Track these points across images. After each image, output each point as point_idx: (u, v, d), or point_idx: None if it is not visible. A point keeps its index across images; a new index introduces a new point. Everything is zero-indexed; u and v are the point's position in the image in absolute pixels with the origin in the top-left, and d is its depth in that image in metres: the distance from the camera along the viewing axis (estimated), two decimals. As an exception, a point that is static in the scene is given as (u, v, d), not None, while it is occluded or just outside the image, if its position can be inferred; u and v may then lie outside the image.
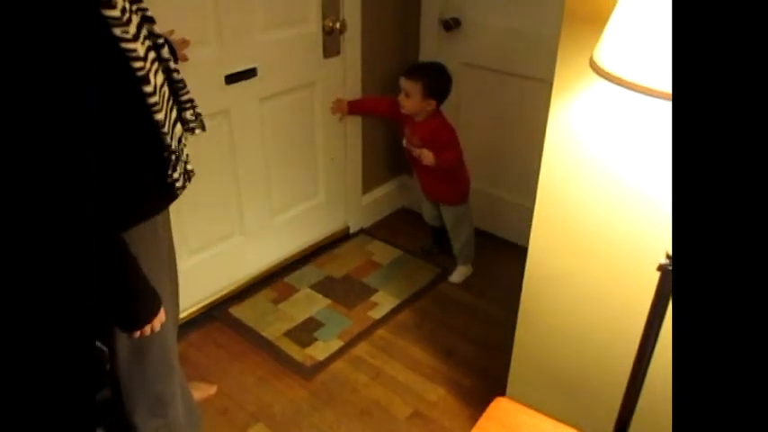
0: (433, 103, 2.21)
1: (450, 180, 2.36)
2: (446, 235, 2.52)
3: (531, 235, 1.48)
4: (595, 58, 0.94)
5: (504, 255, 2.62)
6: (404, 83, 2.21)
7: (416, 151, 2.26)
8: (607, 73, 0.90)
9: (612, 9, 0.95)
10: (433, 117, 2.25)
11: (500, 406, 1.24)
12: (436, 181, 2.37)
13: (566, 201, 1.37)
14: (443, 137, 2.26)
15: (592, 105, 1.25)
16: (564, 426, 1.19)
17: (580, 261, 1.40)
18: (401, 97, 2.23)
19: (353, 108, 2.47)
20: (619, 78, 0.88)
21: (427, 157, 2.22)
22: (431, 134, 2.25)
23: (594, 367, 1.47)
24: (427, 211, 2.55)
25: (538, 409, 1.24)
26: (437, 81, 2.21)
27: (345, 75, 2.42)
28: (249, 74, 2.08)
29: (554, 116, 1.32)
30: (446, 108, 2.45)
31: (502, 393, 1.72)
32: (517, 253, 2.51)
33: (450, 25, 2.47)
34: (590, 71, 1.16)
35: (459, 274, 2.50)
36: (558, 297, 1.48)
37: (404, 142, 2.37)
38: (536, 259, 1.49)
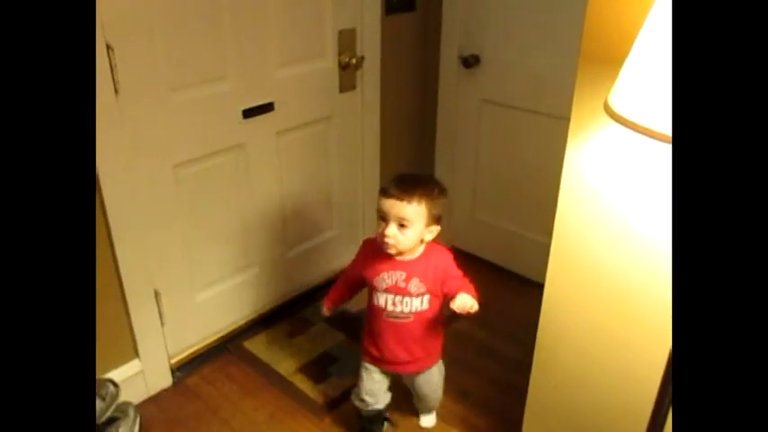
0: (437, 229, 1.60)
1: (441, 328, 1.76)
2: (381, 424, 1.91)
3: (547, 280, 1.46)
4: (610, 102, 0.93)
5: (519, 291, 2.58)
6: (396, 207, 1.51)
7: (457, 303, 1.51)
8: (621, 117, 0.88)
9: (628, 52, 0.93)
10: (430, 247, 1.63)
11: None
12: (424, 338, 1.69)
13: (581, 246, 1.35)
14: (454, 264, 1.64)
15: (606, 150, 1.24)
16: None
17: (595, 307, 1.37)
18: (388, 231, 1.53)
19: (333, 299, 1.85)
20: (632, 123, 0.86)
21: (470, 302, 1.53)
22: (441, 270, 1.60)
23: (612, 415, 1.43)
24: (373, 390, 1.78)
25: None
26: (442, 194, 1.60)
27: (363, 109, 2.43)
28: (266, 108, 2.10)
29: (569, 158, 1.30)
30: (463, 144, 2.44)
31: (518, 436, 1.67)
32: (532, 289, 2.47)
33: (470, 62, 2.48)
34: (605, 114, 1.15)
35: (431, 419, 1.97)
36: (573, 342, 1.45)
37: (385, 301, 1.63)
38: (551, 304, 1.46)
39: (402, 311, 1.63)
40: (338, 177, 2.47)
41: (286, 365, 2.18)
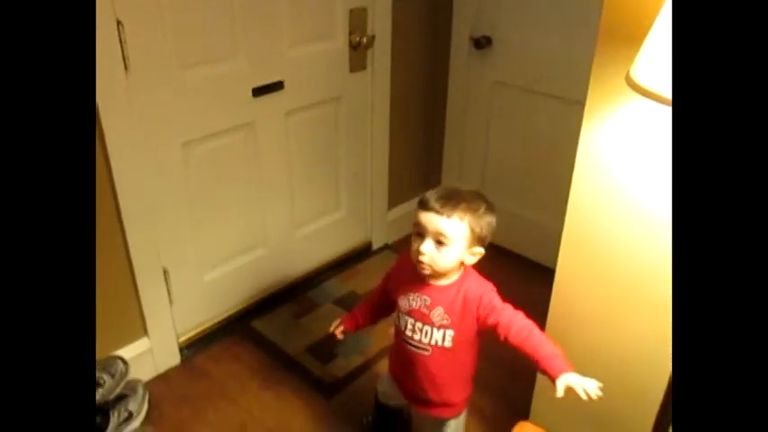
0: (480, 252, 1.40)
1: (469, 376, 1.55)
2: (396, 416, 1.81)
3: (558, 263, 1.45)
4: (632, 75, 0.91)
5: (527, 275, 2.57)
6: (434, 221, 1.32)
7: (581, 386, 1.24)
8: (644, 89, 0.87)
9: (650, 28, 0.92)
10: (467, 274, 1.43)
11: (523, 430, 1.20)
12: (440, 380, 1.49)
13: (594, 228, 1.34)
14: (495, 295, 1.41)
15: (624, 129, 1.22)
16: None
17: (607, 290, 1.36)
18: (423, 248, 1.34)
19: (350, 322, 1.69)
20: (656, 95, 0.85)
21: (580, 382, 1.25)
22: (473, 301, 1.38)
23: (622, 397, 1.42)
24: (391, 394, 1.70)
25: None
26: (488, 213, 1.38)
27: (373, 90, 2.41)
28: (276, 87, 2.08)
29: (585, 138, 1.29)
30: (473, 125, 2.40)
31: (524, 418, 1.67)
32: (542, 273, 2.46)
33: (482, 43, 2.45)
34: (624, 92, 1.13)
35: None
36: (584, 324, 1.44)
37: (406, 324, 1.46)
38: (563, 282, 1.45)
39: (420, 341, 1.44)
40: (347, 159, 2.46)
41: (293, 346, 2.18)
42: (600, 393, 1.20)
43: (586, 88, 1.28)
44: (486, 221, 1.36)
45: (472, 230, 1.34)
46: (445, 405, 1.54)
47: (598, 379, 1.46)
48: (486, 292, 1.39)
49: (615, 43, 1.17)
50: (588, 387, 1.22)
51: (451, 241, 1.32)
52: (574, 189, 1.34)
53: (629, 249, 1.29)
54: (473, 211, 1.34)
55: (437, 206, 1.32)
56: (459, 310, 1.39)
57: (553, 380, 1.25)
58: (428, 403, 1.55)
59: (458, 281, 1.41)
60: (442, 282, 1.41)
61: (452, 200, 1.33)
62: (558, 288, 1.48)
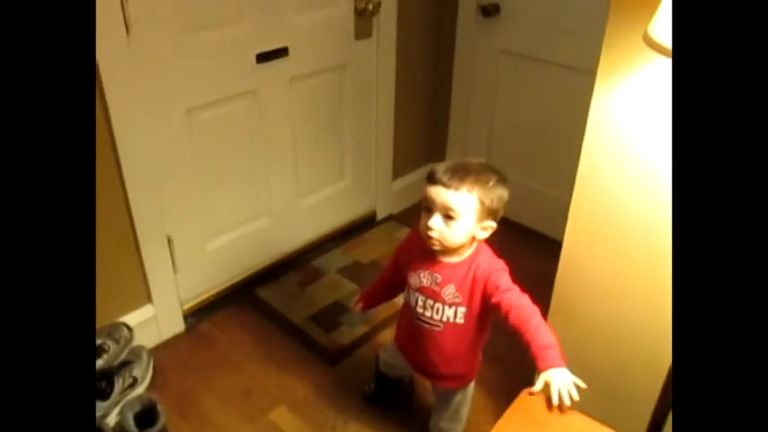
0: (492, 226, 1.37)
1: (479, 349, 1.56)
2: (397, 385, 1.82)
3: (567, 230, 1.43)
4: (650, 32, 0.89)
5: (533, 246, 2.56)
6: (442, 195, 1.29)
7: (557, 388, 1.18)
8: (662, 47, 0.84)
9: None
10: (478, 251, 1.40)
11: (529, 398, 1.20)
12: (452, 355, 1.49)
13: (604, 194, 1.32)
14: (506, 275, 1.38)
15: (638, 93, 1.20)
16: (595, 422, 1.15)
17: (617, 257, 1.35)
18: (431, 223, 1.31)
19: (367, 298, 1.70)
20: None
21: (566, 379, 1.20)
22: (482, 280, 1.36)
23: (629, 366, 1.42)
24: (395, 364, 1.71)
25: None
26: (499, 186, 1.34)
27: (378, 58, 2.38)
28: (280, 53, 2.05)
29: (597, 103, 1.26)
30: (479, 95, 2.35)
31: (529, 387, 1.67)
32: (547, 245, 2.45)
33: (489, 11, 2.41)
34: (638, 55, 1.11)
35: None
36: (592, 292, 1.43)
37: (416, 301, 1.44)
38: (570, 254, 1.44)
39: (432, 317, 1.42)
40: (351, 127, 2.44)
41: (297, 314, 2.18)
42: (569, 403, 1.16)
43: (596, 57, 1.25)
44: (497, 194, 1.32)
45: (482, 203, 1.30)
46: (455, 377, 1.55)
47: (606, 351, 1.46)
48: (496, 270, 1.36)
49: (629, 6, 1.14)
50: (564, 393, 1.16)
51: (460, 215, 1.29)
52: (584, 156, 1.32)
53: (643, 218, 1.27)
54: (482, 183, 1.30)
55: (445, 179, 1.29)
56: (470, 288, 1.37)
57: (539, 371, 1.22)
58: (438, 376, 1.55)
59: (469, 258, 1.38)
60: (454, 259, 1.38)
61: (460, 172, 1.29)
62: (565, 259, 1.46)
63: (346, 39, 2.25)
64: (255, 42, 1.97)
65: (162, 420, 1.58)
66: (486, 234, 1.36)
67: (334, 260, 2.45)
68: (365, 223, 2.68)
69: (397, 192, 2.75)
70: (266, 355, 2.03)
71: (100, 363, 1.76)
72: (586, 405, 1.31)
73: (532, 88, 2.43)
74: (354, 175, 2.55)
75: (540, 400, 1.20)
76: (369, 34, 2.32)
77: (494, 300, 1.34)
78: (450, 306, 1.39)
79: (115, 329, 1.87)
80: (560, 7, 2.22)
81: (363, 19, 2.26)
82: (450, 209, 1.29)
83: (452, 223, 1.30)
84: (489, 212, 1.32)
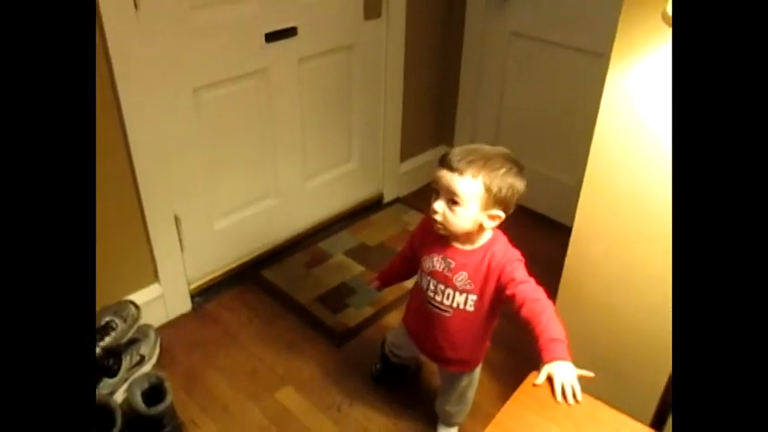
0: (499, 216, 1.32)
1: (487, 335, 1.54)
2: (404, 371, 1.84)
3: (577, 213, 1.42)
4: (669, 10, 0.87)
5: (539, 230, 2.55)
6: (446, 178, 1.28)
7: (560, 383, 1.14)
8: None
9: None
10: (494, 240, 1.37)
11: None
12: (459, 341, 1.48)
13: (616, 177, 1.31)
14: (521, 268, 1.35)
15: (653, 74, 1.18)
16: (603, 405, 1.15)
17: (628, 241, 1.34)
18: (435, 206, 1.30)
19: (383, 277, 1.69)
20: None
21: (569, 374, 1.16)
22: (497, 270, 1.34)
23: (638, 349, 1.42)
24: (401, 345, 1.71)
25: (575, 387, 1.19)
26: (511, 175, 1.29)
27: (387, 38, 2.36)
28: (289, 33, 2.03)
29: (611, 85, 1.25)
30: (488, 77, 2.33)
31: (535, 370, 1.67)
32: (557, 230, 2.45)
33: (499, -9, 2.38)
34: (654, 35, 1.09)
35: None
36: (601, 276, 1.42)
37: (428, 285, 1.43)
38: (580, 237, 1.43)
39: (442, 302, 1.42)
40: (359, 108, 2.42)
41: (304, 295, 2.18)
42: (572, 399, 1.13)
43: (608, 39, 1.24)
44: (508, 183, 1.27)
45: (488, 190, 1.26)
46: (461, 362, 1.55)
47: (613, 335, 1.46)
48: (511, 261, 1.33)
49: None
50: (567, 387, 1.13)
51: (463, 200, 1.26)
52: (597, 138, 1.31)
53: (656, 201, 1.26)
54: (490, 169, 1.26)
55: (453, 162, 1.26)
56: (483, 277, 1.34)
57: (543, 362, 1.19)
58: (444, 360, 1.55)
59: (484, 246, 1.35)
60: (468, 246, 1.36)
61: (468, 156, 1.26)
62: (574, 243, 1.46)
63: (355, 19, 2.23)
64: (264, 21, 1.96)
65: (169, 397, 1.59)
66: (494, 223, 1.33)
67: (341, 242, 2.45)
68: (372, 205, 2.68)
69: (405, 174, 2.74)
70: (273, 336, 2.04)
71: (108, 340, 1.77)
72: (594, 388, 1.31)
73: (543, 71, 2.41)
74: (362, 157, 2.54)
75: (547, 384, 1.19)
76: (378, 14, 2.29)
77: (508, 292, 1.32)
78: (461, 293, 1.38)
79: (123, 308, 1.87)
80: (573, -11, 2.20)
81: (373, -1, 2.24)
82: (454, 193, 1.27)
83: (456, 208, 1.28)
84: (497, 201, 1.28)
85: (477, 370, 1.61)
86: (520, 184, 1.30)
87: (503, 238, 1.38)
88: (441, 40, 2.60)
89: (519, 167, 1.31)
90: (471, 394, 1.66)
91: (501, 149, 1.33)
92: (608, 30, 1.24)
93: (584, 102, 2.27)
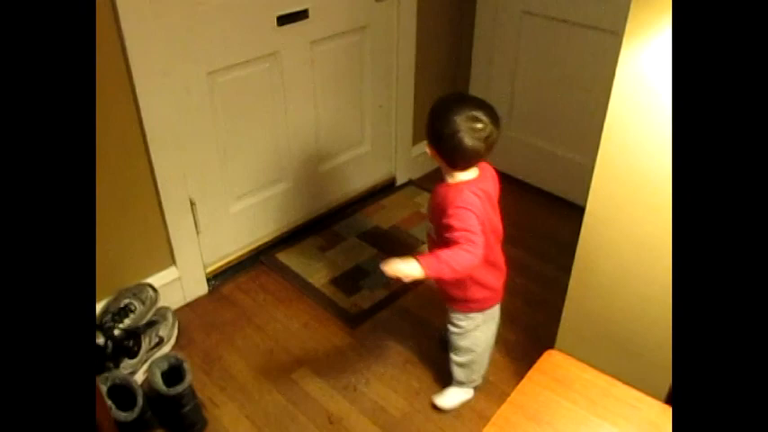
0: (444, 163, 1.45)
1: (465, 283, 1.55)
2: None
3: (591, 190, 1.41)
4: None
5: (552, 210, 2.56)
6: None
7: (392, 263, 1.36)
8: None
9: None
10: (462, 183, 1.45)
11: (551, 359, 1.21)
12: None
13: (630, 154, 1.30)
14: (449, 213, 1.40)
15: (667, 51, 1.17)
16: (618, 382, 1.16)
17: (642, 215, 1.33)
18: None
19: None
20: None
21: (402, 271, 1.35)
22: (438, 206, 1.46)
23: (653, 327, 1.42)
24: None
25: (589, 364, 1.20)
26: (432, 127, 1.43)
27: (399, 19, 2.35)
28: (301, 15, 2.03)
29: (624, 63, 1.24)
30: (500, 57, 2.31)
31: (548, 349, 1.68)
32: (569, 209, 2.45)
33: (511, -31, 2.36)
34: (668, 12, 1.08)
35: (445, 397, 1.76)
36: (616, 254, 1.42)
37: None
38: (594, 216, 1.43)
39: (427, 234, 1.61)
40: (372, 91, 2.42)
41: (318, 277, 2.20)
42: (394, 274, 1.35)
43: (621, 17, 1.23)
44: (439, 126, 1.39)
45: (427, 130, 1.44)
46: (446, 294, 1.61)
47: (628, 314, 1.46)
48: (454, 204, 1.40)
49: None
50: (401, 271, 1.35)
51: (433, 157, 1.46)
52: (610, 115, 1.30)
53: (670, 179, 1.25)
54: (434, 111, 1.42)
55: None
56: (439, 210, 1.44)
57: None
58: (441, 290, 1.62)
59: (452, 185, 1.45)
60: (446, 181, 1.48)
61: (449, 97, 1.45)
62: (588, 221, 1.45)
63: (367, 0, 2.22)
64: (276, 4, 1.96)
65: (189, 378, 1.61)
66: (453, 180, 1.45)
67: (355, 225, 2.47)
68: (385, 188, 2.68)
69: (417, 157, 2.74)
70: (288, 317, 2.06)
71: (127, 322, 1.80)
72: (610, 365, 1.32)
73: (555, 50, 2.39)
74: (374, 140, 2.55)
75: (565, 360, 1.20)
76: (390, -5, 2.29)
77: (443, 234, 1.42)
78: (429, 220, 1.56)
79: (141, 290, 1.90)
80: (586, -34, 2.17)
81: (384, -20, 2.23)
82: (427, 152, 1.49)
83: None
84: (435, 144, 1.43)
85: (473, 318, 1.61)
86: (439, 127, 1.39)
87: (465, 186, 1.43)
88: (452, 21, 2.59)
89: (437, 114, 1.41)
90: (467, 350, 1.67)
91: (450, 95, 1.48)
92: (621, 7, 1.23)
93: (596, 80, 2.25)
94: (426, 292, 2.15)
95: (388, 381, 1.84)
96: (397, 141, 2.62)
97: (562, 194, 2.58)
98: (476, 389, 1.78)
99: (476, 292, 1.57)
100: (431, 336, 1.98)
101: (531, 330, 1.99)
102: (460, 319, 1.62)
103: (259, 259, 2.29)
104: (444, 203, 1.42)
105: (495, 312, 1.66)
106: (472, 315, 1.61)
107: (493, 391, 1.79)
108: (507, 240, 2.42)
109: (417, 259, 1.35)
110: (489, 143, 1.39)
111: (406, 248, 2.34)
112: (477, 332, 1.64)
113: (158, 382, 1.61)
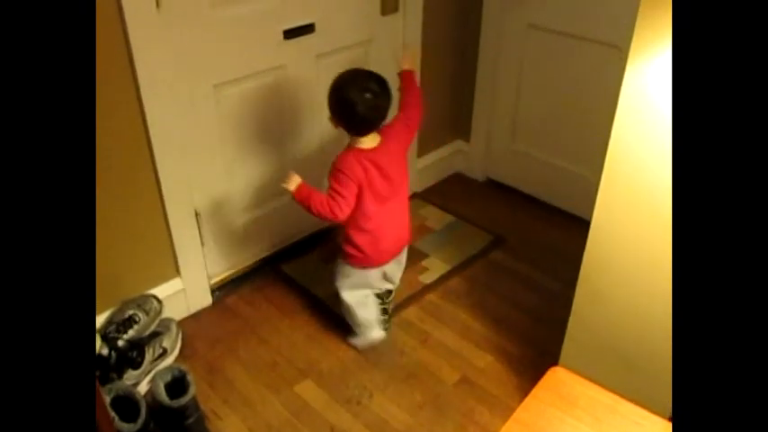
0: (344, 130, 1.71)
1: (346, 234, 1.83)
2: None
3: (596, 207, 1.42)
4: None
5: (557, 224, 2.55)
6: None
7: (289, 177, 1.75)
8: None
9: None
10: (349, 148, 1.73)
11: (556, 376, 1.20)
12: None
13: (636, 171, 1.30)
14: (330, 171, 1.72)
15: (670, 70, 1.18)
16: (622, 399, 1.15)
17: (648, 232, 1.34)
18: None
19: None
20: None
21: (287, 182, 1.74)
22: (333, 162, 1.74)
23: (659, 343, 1.42)
24: None
25: (593, 381, 1.20)
26: (332, 99, 1.68)
27: (404, 33, 2.36)
28: (307, 29, 2.04)
29: (629, 79, 1.24)
30: (505, 71, 2.32)
31: (552, 362, 1.68)
32: (574, 223, 2.45)
33: (516, -16, 2.37)
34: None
35: (355, 337, 2.00)
36: (622, 269, 1.42)
37: None
38: (600, 227, 1.43)
39: None
40: (377, 104, 2.42)
41: (322, 289, 2.20)
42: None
43: (626, 31, 1.23)
44: (336, 98, 1.66)
45: (328, 102, 1.68)
46: (337, 247, 1.89)
47: (634, 329, 1.46)
48: (334, 166, 1.70)
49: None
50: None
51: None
52: (615, 132, 1.31)
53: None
54: (334, 85, 1.67)
55: None
56: (331, 164, 1.72)
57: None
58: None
59: (346, 148, 1.73)
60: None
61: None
62: (594, 236, 1.45)
63: (372, 14, 2.24)
64: (283, 18, 1.97)
65: (192, 390, 1.61)
66: (354, 138, 1.70)
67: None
68: (389, 200, 2.68)
69: (422, 169, 2.74)
70: (292, 329, 2.06)
71: (131, 333, 1.80)
72: (615, 380, 1.31)
73: (559, 63, 2.40)
74: (379, 152, 2.55)
75: (569, 377, 1.20)
76: (395, 9, 2.30)
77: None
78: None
79: (145, 301, 1.90)
80: (591, -19, 2.18)
81: (390, -6, 2.24)
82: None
83: None
84: (333, 114, 1.69)
85: (342, 272, 1.88)
86: (337, 100, 1.65)
87: (359, 155, 1.68)
88: (457, 34, 2.60)
89: (336, 87, 1.66)
90: (339, 293, 1.90)
91: (350, 71, 1.71)
92: (626, 22, 1.23)
93: (600, 94, 2.25)
94: (429, 306, 2.15)
95: (391, 395, 1.84)
96: (402, 154, 2.63)
97: (566, 207, 2.58)
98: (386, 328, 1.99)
99: (348, 248, 1.81)
100: (434, 350, 1.98)
101: (534, 343, 1.99)
102: (336, 265, 1.91)
103: (263, 271, 2.29)
104: (335, 160, 1.69)
105: (369, 278, 1.89)
106: (345, 267, 1.87)
107: (496, 405, 1.78)
108: (510, 253, 2.43)
109: (300, 183, 1.71)
110: (381, 111, 1.66)
111: (409, 261, 2.33)
112: (346, 286, 1.89)
113: (162, 393, 1.60)
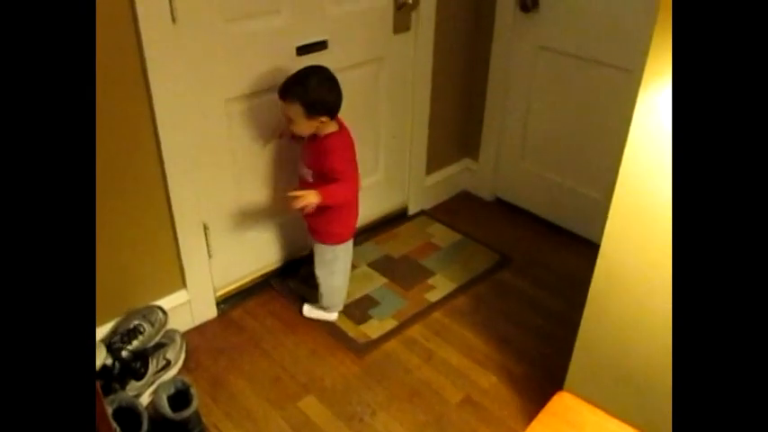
0: (325, 119, 1.80)
1: (335, 218, 1.95)
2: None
3: (606, 231, 1.41)
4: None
5: (564, 245, 2.55)
6: (281, 106, 1.81)
7: (296, 193, 1.81)
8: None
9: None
10: (329, 133, 1.84)
11: (562, 401, 1.20)
12: (321, 215, 1.90)
13: (648, 196, 1.30)
14: (332, 160, 1.82)
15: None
16: (628, 426, 1.14)
17: (657, 258, 1.33)
18: (287, 121, 1.83)
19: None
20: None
21: (306, 199, 1.78)
22: (319, 155, 1.84)
23: (667, 369, 1.40)
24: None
25: (600, 406, 1.19)
26: (316, 93, 1.75)
27: (416, 52, 2.38)
28: (320, 46, 2.06)
29: (642, 103, 1.24)
30: (515, 91, 2.34)
31: (556, 384, 1.67)
32: (581, 245, 2.44)
33: (528, 6, 2.39)
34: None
35: (311, 309, 2.15)
36: (630, 291, 1.42)
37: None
38: (609, 251, 1.43)
39: (303, 177, 1.93)
40: (387, 121, 2.44)
41: (328, 305, 2.20)
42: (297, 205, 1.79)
43: (636, 54, 1.24)
44: (317, 95, 1.74)
45: (305, 107, 1.74)
46: (315, 232, 2.00)
47: (643, 352, 1.45)
48: (328, 158, 1.81)
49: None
50: (304, 201, 1.78)
51: (293, 118, 1.78)
52: (627, 156, 1.30)
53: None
54: (302, 92, 1.73)
55: (280, 93, 1.78)
56: (318, 158, 1.85)
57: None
58: (313, 229, 2.01)
59: (324, 136, 1.83)
60: (311, 137, 1.85)
61: (286, 85, 1.77)
62: (602, 260, 1.45)
63: (384, 32, 2.26)
64: (296, 34, 1.99)
65: (195, 403, 1.61)
66: (327, 128, 1.81)
67: (366, 253, 2.47)
68: (397, 217, 2.69)
69: (431, 187, 2.75)
70: (296, 344, 2.05)
71: (135, 344, 1.80)
72: (621, 404, 1.30)
73: (569, 85, 2.41)
74: (388, 169, 2.56)
75: (575, 402, 1.19)
76: (407, 28, 2.32)
77: (328, 175, 1.83)
78: (307, 168, 1.88)
79: (150, 312, 1.91)
80: (600, 2, 2.19)
81: (402, 12, 2.26)
82: (287, 116, 1.80)
83: (293, 124, 1.80)
84: (316, 111, 1.75)
85: (333, 251, 2.00)
86: (323, 91, 1.76)
87: (342, 136, 1.85)
88: (468, 54, 2.61)
89: (324, 77, 1.78)
90: (331, 279, 2.04)
91: (311, 67, 1.82)
92: (637, 45, 1.24)
93: (610, 116, 2.26)
94: (434, 324, 2.14)
95: (394, 412, 1.83)
96: (411, 171, 2.64)
97: (574, 229, 2.57)
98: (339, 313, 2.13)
99: (338, 229, 1.96)
100: (438, 368, 1.97)
101: (539, 364, 1.97)
102: (325, 249, 1.99)
103: (269, 285, 2.29)
104: (327, 149, 1.81)
105: (351, 248, 2.06)
106: (338, 250, 1.99)
107: (500, 426, 1.77)
108: (517, 273, 2.43)
109: (316, 191, 1.78)
110: (340, 97, 1.81)
111: (415, 278, 2.34)
112: (342, 267, 2.03)
113: (164, 406, 1.60)
